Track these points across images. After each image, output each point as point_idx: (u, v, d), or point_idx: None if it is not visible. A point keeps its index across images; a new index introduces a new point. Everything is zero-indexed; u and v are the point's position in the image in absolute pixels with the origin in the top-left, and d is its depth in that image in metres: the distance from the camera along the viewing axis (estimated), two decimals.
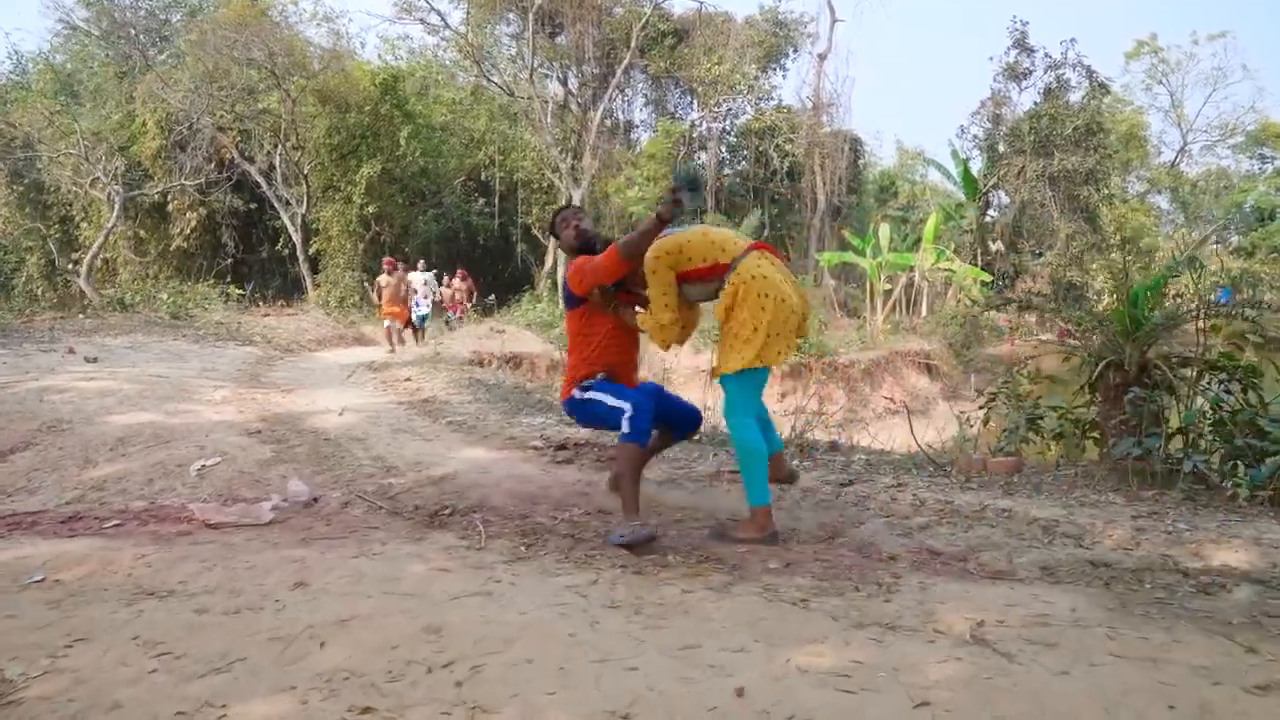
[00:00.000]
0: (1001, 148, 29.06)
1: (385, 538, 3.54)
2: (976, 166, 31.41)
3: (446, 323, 18.44)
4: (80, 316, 12.79)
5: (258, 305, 18.87)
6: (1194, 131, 47.15)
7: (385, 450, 5.09)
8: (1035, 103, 29.26)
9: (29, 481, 4.60)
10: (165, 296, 13.77)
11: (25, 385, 6.53)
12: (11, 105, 25.73)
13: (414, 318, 13.98)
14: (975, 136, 32.24)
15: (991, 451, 5.15)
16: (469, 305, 20.34)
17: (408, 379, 8.30)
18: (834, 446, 5.52)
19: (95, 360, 8.25)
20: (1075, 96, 28.82)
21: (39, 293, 26.53)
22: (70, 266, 24.34)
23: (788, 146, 28.56)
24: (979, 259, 30.36)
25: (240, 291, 18.46)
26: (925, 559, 3.23)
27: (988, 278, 26.34)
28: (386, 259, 13.38)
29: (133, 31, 26.06)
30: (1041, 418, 5.18)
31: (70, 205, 25.57)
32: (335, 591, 2.89)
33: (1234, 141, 47.41)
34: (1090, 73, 28.78)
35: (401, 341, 12.73)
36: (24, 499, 4.40)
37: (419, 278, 15.23)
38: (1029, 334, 32.37)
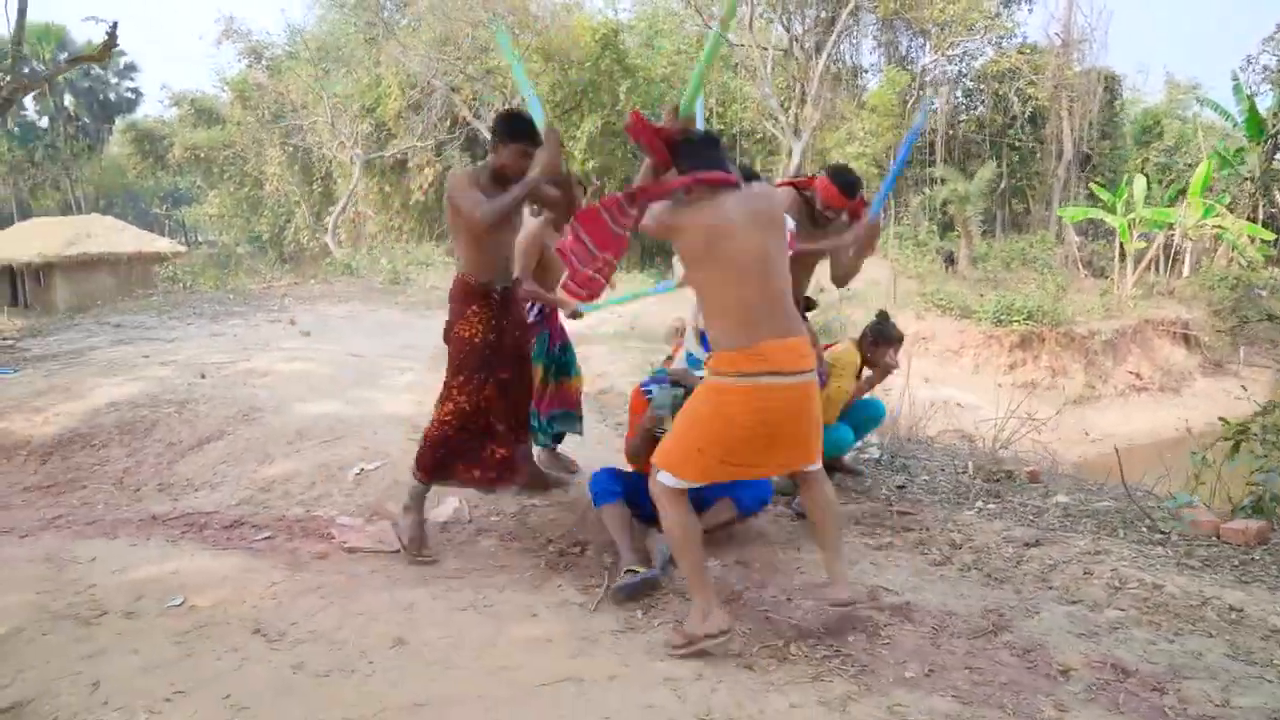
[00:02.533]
0: None
1: (505, 582, 3.40)
2: (1265, 104, 27.18)
3: None
4: (311, 282, 13.88)
5: None
6: None
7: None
8: None
9: (214, 475, 4.90)
10: (386, 262, 14.60)
11: (237, 366, 7.04)
12: (284, 74, 28.27)
13: None
14: (1266, 68, 27.90)
15: (1234, 509, 4.27)
16: None
17: (590, 358, 8.25)
18: (1034, 479, 4.81)
19: (309, 334, 8.84)
20: None
21: (303, 241, 29.29)
22: (325, 221, 26.59)
23: (1030, 90, 25.99)
24: (1260, 213, 26.44)
25: (440, 249, 19.22)
26: (1108, 680, 2.64)
27: (1270, 235, 22.84)
28: None
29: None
30: None
31: (329, 164, 27.89)
32: (427, 657, 2.77)
33: None
34: None
35: None
36: (206, 494, 4.69)
37: None
38: None
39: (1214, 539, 3.82)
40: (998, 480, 4.77)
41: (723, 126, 26.79)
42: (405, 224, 27.40)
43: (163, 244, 24.58)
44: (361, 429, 5.44)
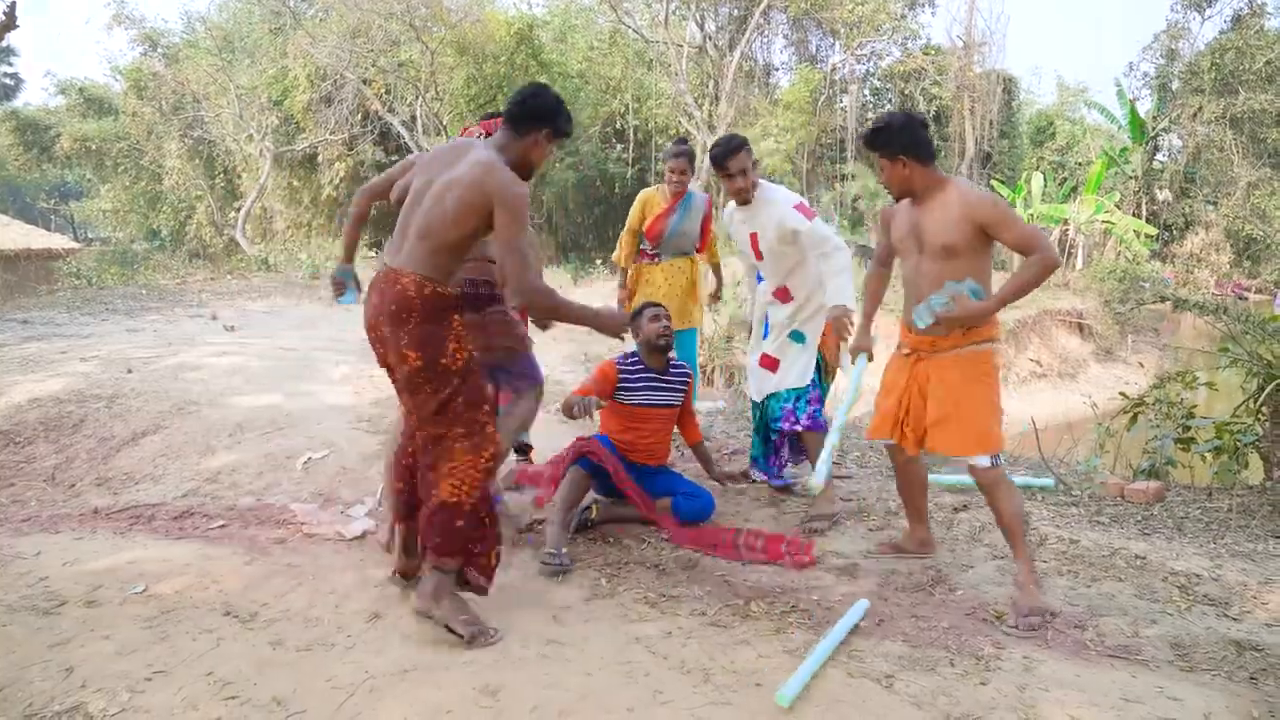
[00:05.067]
0: (1176, 86, 26.58)
1: None
2: (1145, 108, 28.87)
3: None
4: (228, 277, 13.51)
5: None
6: None
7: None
8: (1221, 32, 26.52)
9: (154, 468, 4.83)
10: (305, 257, 14.36)
11: (165, 361, 6.89)
12: (183, 63, 27.24)
13: None
14: (1145, 74, 29.68)
15: (1134, 472, 4.67)
16: None
17: None
18: None
19: (233, 329, 8.67)
20: (1273, 23, 25.93)
21: (206, 239, 28.33)
22: (230, 217, 25.80)
23: (935, 90, 27.00)
24: (1143, 209, 28.10)
25: (372, 253, 18.99)
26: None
27: (1153, 230, 24.32)
28: None
29: None
30: (1193, 436, 4.64)
31: (232, 158, 27.03)
32: (404, 630, 2.86)
33: None
34: None
35: None
36: (148, 487, 4.62)
37: None
38: (1215, 289, 29.91)
39: (1119, 499, 4.18)
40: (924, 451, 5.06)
41: (638, 123, 27.05)
42: (315, 220, 26.78)
43: (54, 240, 23.46)
44: (305, 420, 5.43)
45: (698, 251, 5.23)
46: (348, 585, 3.21)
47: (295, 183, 27.56)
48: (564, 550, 3.44)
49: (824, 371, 4.13)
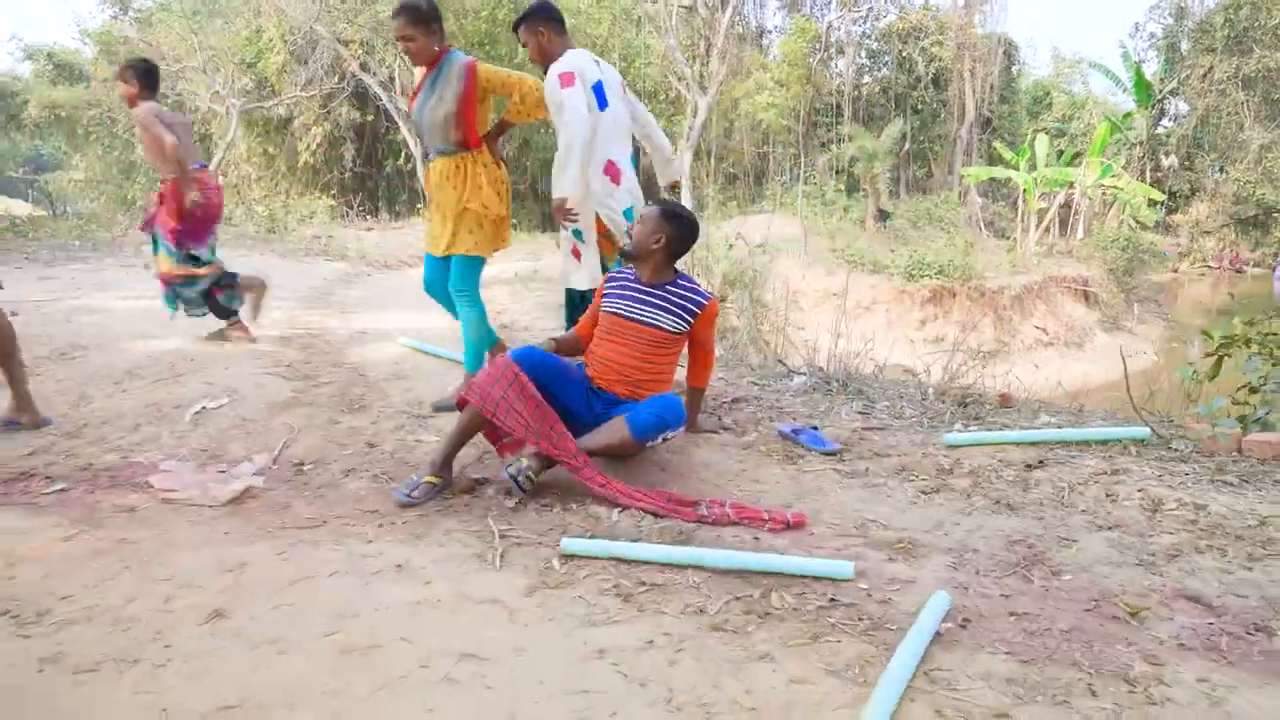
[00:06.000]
0: (1185, 46, 25.53)
1: (376, 532, 2.53)
2: (1151, 70, 27.87)
3: None
4: None
5: (367, 219, 18.43)
6: None
7: (429, 391, 4.10)
8: None
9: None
10: (262, 209, 13.27)
11: (62, 304, 5.88)
12: (155, 26, 25.90)
13: None
14: (1152, 35, 28.63)
15: (1245, 423, 3.71)
16: None
17: (489, 300, 7.34)
18: (1006, 403, 4.18)
19: None
20: None
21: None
22: None
23: (935, 50, 25.90)
24: (1147, 175, 27.16)
25: (332, 202, 17.92)
26: (1195, 622, 1.97)
27: (1159, 196, 23.34)
28: None
29: None
30: None
31: (208, 123, 25.74)
32: (253, 636, 1.90)
33: None
34: None
35: None
36: None
37: None
38: (1204, 261, 29.08)
39: (1235, 454, 3.23)
40: (966, 404, 4.12)
41: (627, 84, 25.88)
42: (293, 188, 25.62)
43: (18, 207, 22.26)
44: (210, 365, 4.44)
45: (466, 148, 3.67)
46: (191, 570, 2.24)
47: (271, 149, 26.39)
48: (422, 482, 2.78)
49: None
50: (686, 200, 23.41)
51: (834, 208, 23.41)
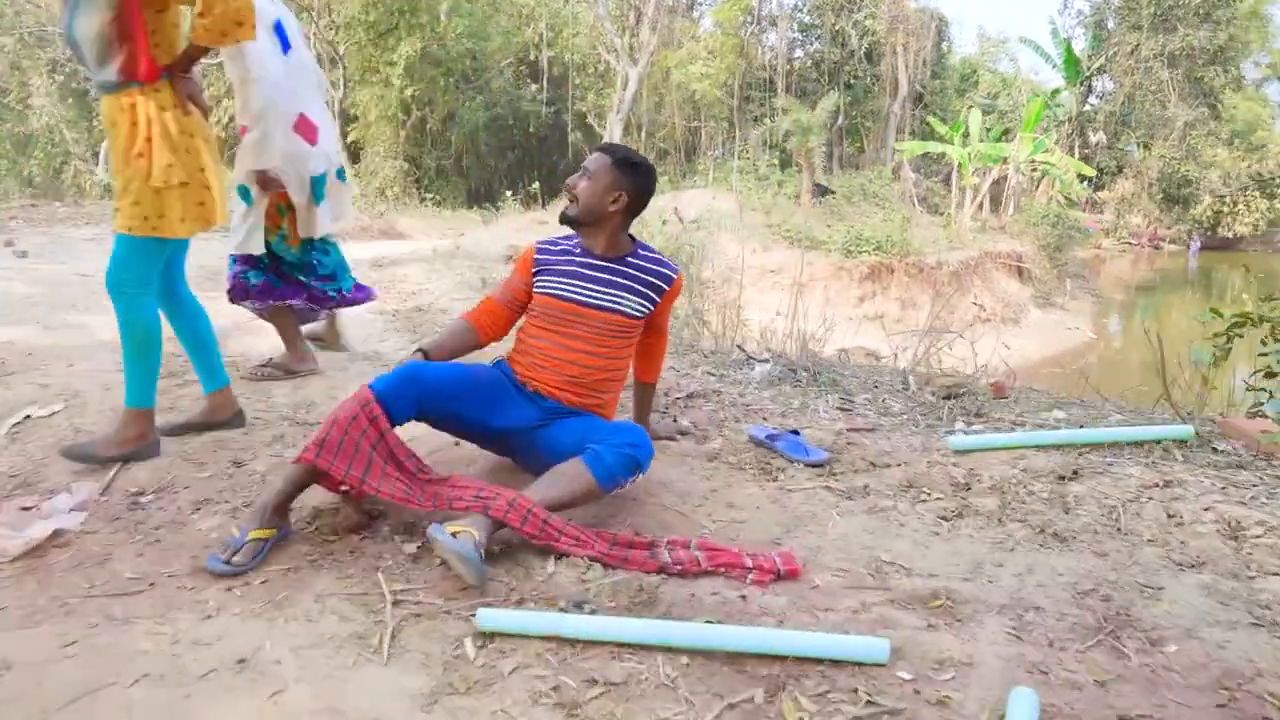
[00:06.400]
0: (1112, 23, 25.67)
1: (221, 599, 1.82)
2: (1079, 47, 28.03)
3: None
4: (57, 205, 11.24)
5: None
6: None
7: (316, 392, 3.36)
8: None
9: None
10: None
11: None
12: None
13: None
14: (1080, 12, 28.78)
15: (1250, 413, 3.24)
16: None
17: (406, 278, 6.56)
18: (1000, 394, 3.64)
19: (25, 254, 6.69)
20: None
21: (85, 185, 25.19)
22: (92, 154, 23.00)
23: (868, 23, 25.56)
24: (1076, 151, 27.36)
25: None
26: None
27: (1090, 172, 23.47)
28: None
29: None
30: None
31: None
32: None
33: None
34: None
35: None
36: None
37: None
38: (1128, 237, 29.56)
39: None
40: (957, 396, 3.56)
41: (553, 55, 25.00)
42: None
43: None
44: (52, 361, 3.64)
45: (135, 79, 2.43)
46: None
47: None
48: (246, 542, 1.98)
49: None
50: None
51: (768, 183, 22.97)
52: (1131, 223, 27.50)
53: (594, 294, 2.36)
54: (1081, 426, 3.03)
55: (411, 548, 2.02)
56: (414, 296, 5.83)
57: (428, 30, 23.10)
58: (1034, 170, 23.66)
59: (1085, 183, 24.44)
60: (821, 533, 2.16)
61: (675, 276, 2.48)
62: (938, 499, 2.39)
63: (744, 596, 1.82)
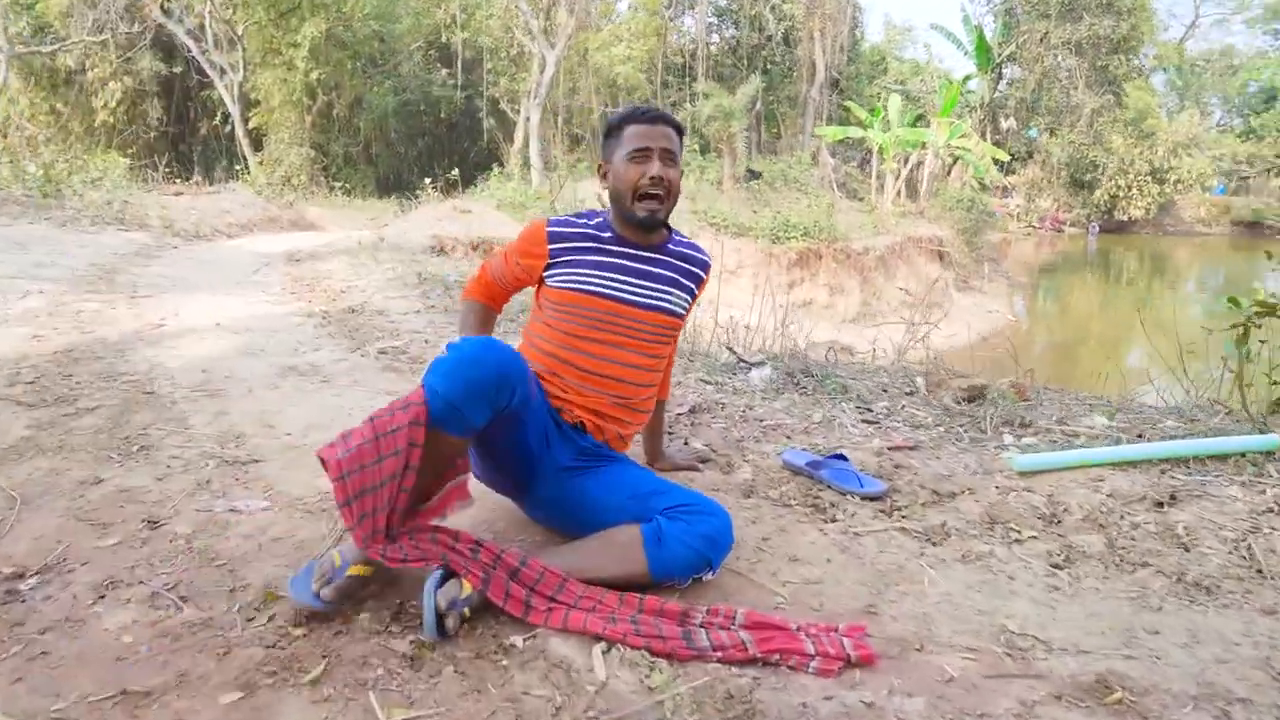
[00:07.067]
0: (1021, 11, 26.11)
1: None
2: (990, 34, 28.53)
3: None
4: None
5: (176, 183, 16.15)
6: (1207, 2, 44.14)
7: (245, 417, 2.78)
8: None
9: None
10: (34, 169, 11.06)
11: None
12: None
13: None
14: (991, 0, 29.29)
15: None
16: None
17: (330, 274, 5.91)
18: (1023, 397, 3.29)
19: None
20: None
21: None
22: None
23: (786, 7, 25.43)
24: (988, 137, 27.86)
25: (129, 161, 15.61)
26: None
27: (1005, 156, 23.89)
28: None
29: None
30: None
31: None
32: None
33: (1248, 15, 44.43)
34: None
35: None
36: None
37: None
38: (1035, 221, 30.35)
39: None
40: (977, 400, 3.20)
41: (467, 36, 24.12)
42: (90, 151, 22.49)
43: None
44: None
45: None
46: None
47: (60, 106, 23.08)
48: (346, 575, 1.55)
49: None
50: (534, 161, 22.10)
51: (690, 169, 22.65)
52: (1041, 207, 28.14)
53: (639, 290, 1.89)
54: (1140, 435, 2.69)
55: (404, 645, 1.52)
56: (343, 295, 5.21)
57: (333, 10, 22.04)
58: (949, 155, 23.94)
59: (999, 167, 24.89)
60: (921, 594, 1.73)
61: (709, 263, 2.04)
62: (1032, 537, 1.99)
63: (869, 704, 1.37)
